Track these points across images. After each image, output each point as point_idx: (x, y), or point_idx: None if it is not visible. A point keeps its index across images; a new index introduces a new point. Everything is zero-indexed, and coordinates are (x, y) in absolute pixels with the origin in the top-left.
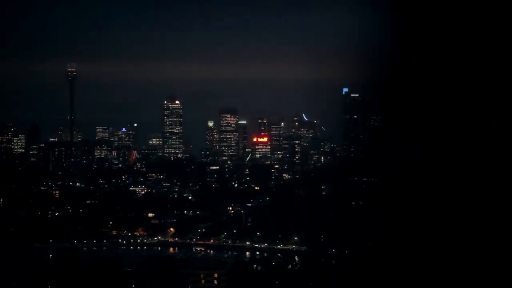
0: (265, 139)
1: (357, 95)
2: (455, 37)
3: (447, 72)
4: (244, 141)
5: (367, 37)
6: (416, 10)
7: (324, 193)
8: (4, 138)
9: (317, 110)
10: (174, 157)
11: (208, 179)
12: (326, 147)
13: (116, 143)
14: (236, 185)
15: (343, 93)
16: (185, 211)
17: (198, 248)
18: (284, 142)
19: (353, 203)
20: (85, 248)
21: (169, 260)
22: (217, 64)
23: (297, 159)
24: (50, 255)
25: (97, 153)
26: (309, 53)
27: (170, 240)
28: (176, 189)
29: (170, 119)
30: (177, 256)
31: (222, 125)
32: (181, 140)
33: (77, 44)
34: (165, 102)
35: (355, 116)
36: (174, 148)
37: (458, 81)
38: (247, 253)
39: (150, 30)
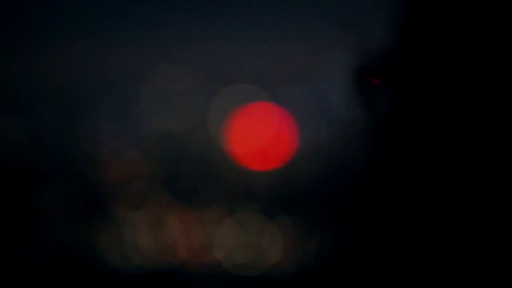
0: None
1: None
2: (455, 37)
3: (447, 72)
4: None
5: (366, 32)
6: (416, 8)
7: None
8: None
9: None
10: None
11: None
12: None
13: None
14: None
15: None
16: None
17: None
18: None
19: (351, 199)
20: (84, 246)
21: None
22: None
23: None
24: (50, 254)
25: None
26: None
27: None
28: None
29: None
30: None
31: None
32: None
33: (75, 39)
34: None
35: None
36: None
37: (458, 81)
38: None
39: (149, 26)
